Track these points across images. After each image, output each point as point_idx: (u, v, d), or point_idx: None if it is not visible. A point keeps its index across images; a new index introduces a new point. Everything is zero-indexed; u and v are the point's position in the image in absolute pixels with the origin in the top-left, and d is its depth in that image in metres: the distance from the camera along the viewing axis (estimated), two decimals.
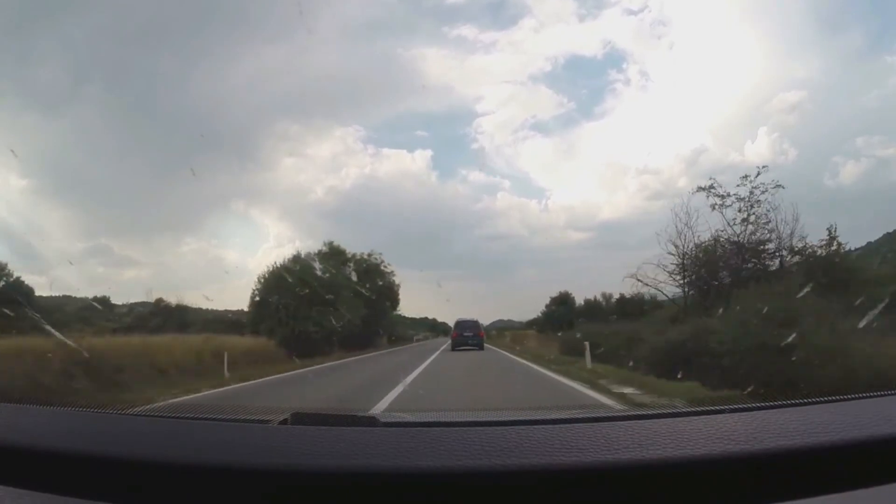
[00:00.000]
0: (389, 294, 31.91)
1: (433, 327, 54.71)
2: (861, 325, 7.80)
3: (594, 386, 9.45)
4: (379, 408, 6.75)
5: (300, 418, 1.18)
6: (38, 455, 1.02)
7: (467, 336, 25.62)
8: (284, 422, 1.16)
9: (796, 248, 18.03)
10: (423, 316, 54.87)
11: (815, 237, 17.80)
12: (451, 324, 28.31)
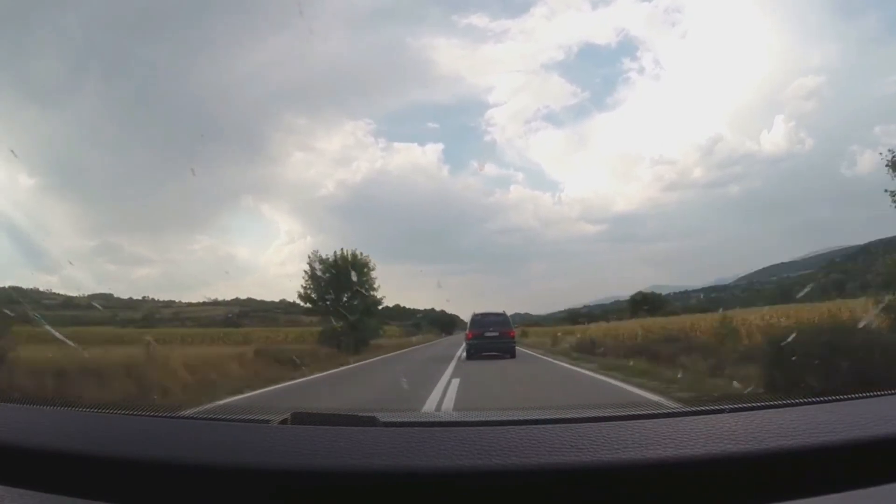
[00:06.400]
0: None
1: (417, 324, 45.25)
2: None
3: None
4: None
5: (300, 418, 1.18)
6: (38, 455, 1.02)
7: (490, 337, 16.95)
8: (284, 422, 1.16)
9: None
10: (429, 307, 49.74)
11: (828, 230, 16.28)
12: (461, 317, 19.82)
